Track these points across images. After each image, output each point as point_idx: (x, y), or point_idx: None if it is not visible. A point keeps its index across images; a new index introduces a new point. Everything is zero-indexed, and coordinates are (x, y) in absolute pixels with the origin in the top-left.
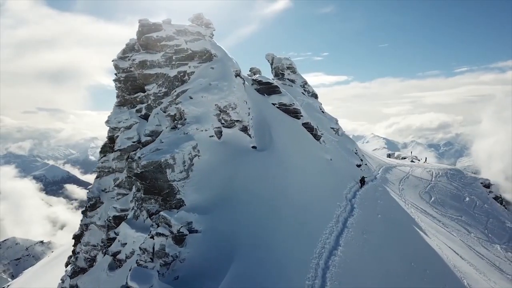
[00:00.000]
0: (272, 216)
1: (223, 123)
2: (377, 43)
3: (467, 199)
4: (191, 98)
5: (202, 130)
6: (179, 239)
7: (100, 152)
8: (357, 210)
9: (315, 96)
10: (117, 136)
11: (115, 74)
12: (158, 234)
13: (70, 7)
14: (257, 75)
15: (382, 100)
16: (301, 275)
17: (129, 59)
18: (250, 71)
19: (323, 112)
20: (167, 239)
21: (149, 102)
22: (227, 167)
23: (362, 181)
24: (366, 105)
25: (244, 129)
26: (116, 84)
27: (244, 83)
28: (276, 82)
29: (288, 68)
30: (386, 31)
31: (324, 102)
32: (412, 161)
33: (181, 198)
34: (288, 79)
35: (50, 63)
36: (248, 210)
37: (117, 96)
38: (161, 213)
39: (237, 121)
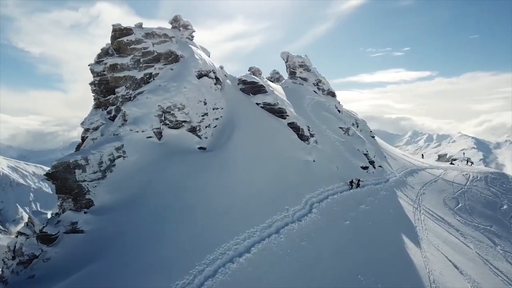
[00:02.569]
0: (173, 219)
1: (168, 124)
2: (466, 34)
3: (505, 207)
4: (137, 99)
5: (137, 131)
6: (47, 238)
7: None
8: (314, 216)
9: (332, 94)
10: (87, 137)
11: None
12: (21, 233)
13: (154, 14)
14: (243, 75)
15: (471, 96)
16: (172, 279)
17: (102, 63)
18: (249, 70)
19: (339, 111)
20: (28, 238)
21: (118, 104)
22: (155, 168)
23: (357, 184)
24: (453, 101)
25: (193, 130)
26: (91, 87)
27: (218, 83)
28: (263, 81)
29: (300, 66)
30: (476, 21)
31: (405, 100)
32: (451, 163)
33: (90, 199)
34: (300, 77)
35: None
36: (151, 212)
37: (94, 99)
38: (30, 213)
39: (185, 121)
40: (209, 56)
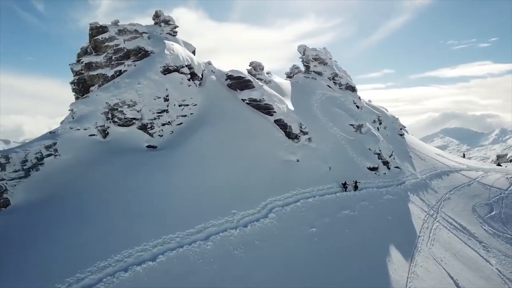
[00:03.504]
0: (79, 220)
1: (117, 122)
2: None
3: None
4: (87, 97)
5: (78, 129)
6: None
7: None
8: (269, 221)
9: (351, 89)
10: None
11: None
12: None
13: (227, 17)
14: (230, 69)
15: None
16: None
17: (80, 62)
18: (249, 65)
19: (358, 107)
20: None
21: None
22: (89, 167)
23: (354, 186)
24: None
25: (143, 128)
26: (71, 86)
27: (195, 79)
28: (259, 76)
29: (315, 59)
30: None
31: (491, 95)
32: (498, 164)
33: (7, 198)
34: (314, 71)
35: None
36: (62, 212)
37: (75, 98)
38: None
39: (135, 119)
40: (194, 52)
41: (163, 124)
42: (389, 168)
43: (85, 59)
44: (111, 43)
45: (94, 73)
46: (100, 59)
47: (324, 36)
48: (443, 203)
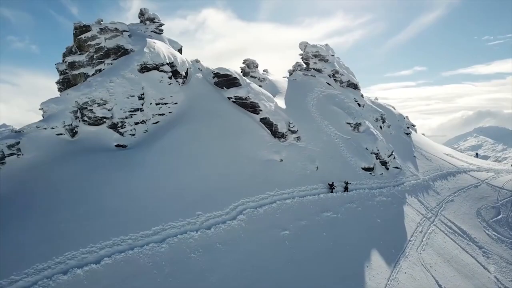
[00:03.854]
0: (20, 221)
1: (87, 120)
2: None
3: None
4: (58, 96)
5: (45, 128)
6: None
7: None
8: (237, 223)
9: (353, 86)
10: None
11: None
12: None
13: (255, 17)
14: (216, 67)
15: None
16: None
17: (65, 62)
18: (243, 63)
19: (359, 104)
20: None
21: None
22: (49, 166)
23: (345, 187)
24: None
25: (114, 126)
26: (57, 86)
27: (178, 77)
28: (251, 74)
29: (315, 56)
30: None
31: None
32: None
33: None
34: (313, 68)
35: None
36: (5, 212)
37: None
38: None
39: (105, 118)
40: (180, 50)
41: (137, 123)
42: (387, 169)
43: (69, 59)
44: (92, 42)
45: (77, 72)
46: (82, 58)
47: (352, 34)
48: (444, 205)
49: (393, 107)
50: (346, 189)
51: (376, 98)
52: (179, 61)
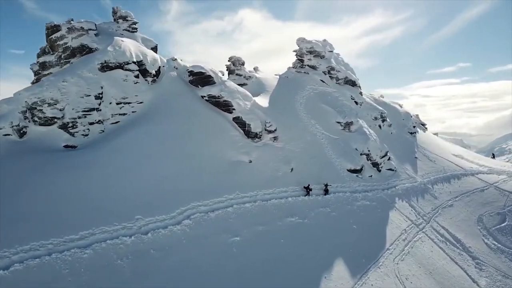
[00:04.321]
0: None
1: (37, 121)
2: None
3: None
4: (11, 96)
5: None
6: None
7: None
8: (180, 228)
9: (351, 83)
10: None
11: None
12: None
13: (292, 16)
14: (191, 65)
15: None
16: None
17: (37, 62)
18: (229, 60)
19: (356, 103)
20: None
21: None
22: None
23: (325, 190)
24: None
25: (64, 127)
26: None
27: (147, 75)
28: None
29: (309, 52)
30: None
31: None
32: None
33: None
34: (308, 65)
35: (277, 70)
36: None
37: None
38: None
39: (55, 118)
40: (155, 48)
41: (92, 123)
42: (379, 171)
43: (41, 59)
44: (61, 42)
45: (47, 72)
46: (52, 58)
47: (392, 30)
48: (441, 211)
49: (399, 104)
50: (326, 192)
51: (382, 96)
52: (149, 59)
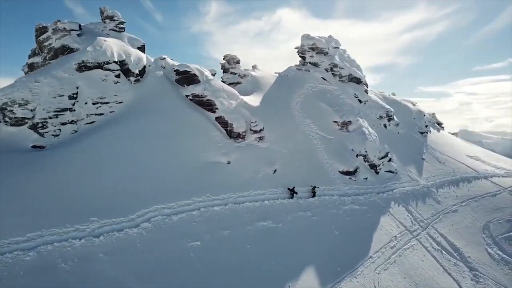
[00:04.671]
0: None
1: (8, 121)
2: None
3: None
4: None
5: None
6: None
7: None
8: (136, 231)
9: (356, 80)
10: None
11: None
12: None
13: (331, 14)
14: (178, 64)
15: None
16: None
17: (27, 64)
18: (223, 59)
19: (360, 101)
20: None
21: None
22: None
23: (313, 192)
24: None
25: (34, 127)
26: None
27: (130, 75)
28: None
29: (312, 49)
30: None
31: None
32: None
33: None
34: (310, 62)
35: None
36: None
37: None
38: None
39: (26, 118)
40: (142, 47)
41: (64, 123)
42: (377, 173)
43: (30, 61)
44: (47, 43)
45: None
46: (39, 59)
47: (435, 26)
48: (442, 216)
49: (412, 103)
50: (313, 194)
51: (393, 93)
52: (133, 59)
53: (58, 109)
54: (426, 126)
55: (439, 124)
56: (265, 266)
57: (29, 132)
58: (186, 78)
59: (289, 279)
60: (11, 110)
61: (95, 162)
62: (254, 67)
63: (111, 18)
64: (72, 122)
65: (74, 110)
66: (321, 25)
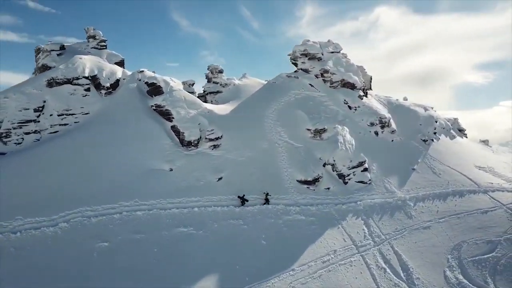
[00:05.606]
0: None
1: None
2: None
3: None
4: None
5: None
6: None
7: None
8: (53, 230)
9: (350, 86)
10: None
11: None
12: None
13: (434, 9)
14: (148, 76)
15: None
16: None
17: None
18: (208, 69)
19: (350, 107)
20: None
21: None
22: None
23: (265, 199)
24: None
25: None
26: None
27: (100, 88)
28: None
29: (305, 55)
30: None
31: None
32: None
33: None
34: (301, 69)
35: (416, 67)
36: None
37: None
38: None
39: None
40: (121, 62)
41: (27, 133)
42: (345, 183)
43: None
44: (37, 62)
45: None
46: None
47: None
48: (408, 233)
49: (426, 108)
50: (267, 201)
51: (405, 98)
52: (106, 73)
53: (22, 121)
54: (435, 133)
55: (461, 130)
56: (166, 270)
57: None
58: (154, 89)
59: (180, 284)
60: None
61: (35, 167)
62: (244, 75)
63: (93, 37)
64: (35, 131)
65: (39, 121)
66: (422, 21)
